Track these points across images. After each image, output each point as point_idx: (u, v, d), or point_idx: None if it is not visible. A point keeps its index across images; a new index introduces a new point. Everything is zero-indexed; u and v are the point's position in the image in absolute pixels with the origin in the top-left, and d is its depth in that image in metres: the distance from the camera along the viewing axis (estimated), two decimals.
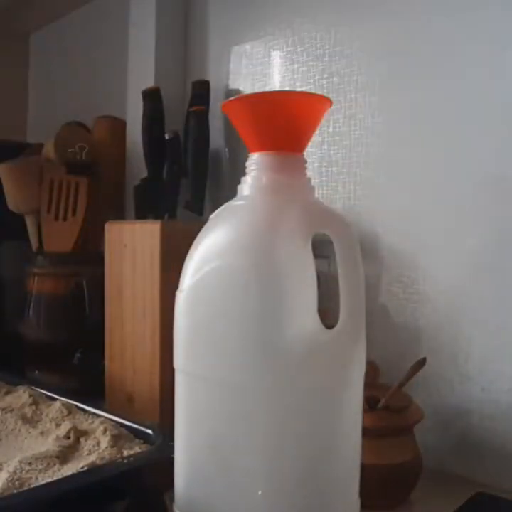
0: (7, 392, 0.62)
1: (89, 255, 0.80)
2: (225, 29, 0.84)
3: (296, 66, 0.75)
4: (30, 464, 0.44)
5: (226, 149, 0.83)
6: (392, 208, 0.66)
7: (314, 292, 0.39)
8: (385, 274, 0.66)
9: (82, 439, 0.50)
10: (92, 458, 0.46)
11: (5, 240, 0.92)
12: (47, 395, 0.60)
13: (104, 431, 0.50)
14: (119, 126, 0.87)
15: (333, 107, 0.50)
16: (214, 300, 0.39)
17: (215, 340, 0.39)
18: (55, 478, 0.43)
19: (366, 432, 0.44)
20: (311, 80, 0.73)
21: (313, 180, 0.44)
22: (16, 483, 0.42)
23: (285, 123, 0.41)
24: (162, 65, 0.85)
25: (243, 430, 0.39)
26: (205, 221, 0.43)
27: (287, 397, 0.38)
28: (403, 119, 0.65)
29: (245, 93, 0.80)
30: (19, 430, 0.53)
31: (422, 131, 0.64)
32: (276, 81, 0.78)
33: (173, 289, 0.43)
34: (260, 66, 0.80)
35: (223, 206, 0.43)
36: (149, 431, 0.50)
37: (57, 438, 0.49)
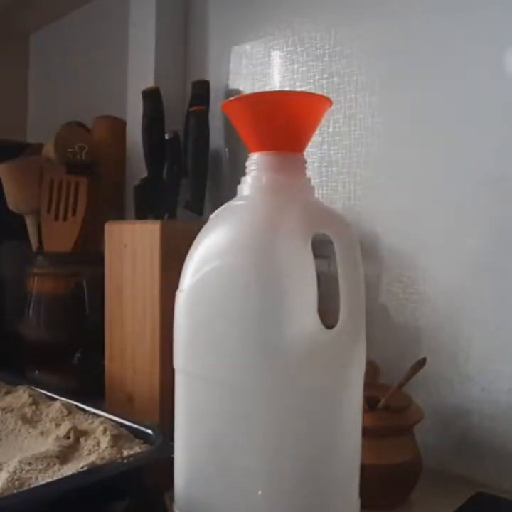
0: (7, 392, 0.62)
1: (89, 255, 0.80)
2: (225, 29, 0.84)
3: (296, 66, 0.75)
4: (30, 464, 0.44)
5: (226, 149, 0.83)
6: (392, 207, 0.66)
7: (314, 292, 0.39)
8: (385, 274, 0.66)
9: (82, 439, 0.50)
10: (92, 458, 0.46)
11: (5, 240, 0.92)
12: (47, 395, 0.60)
13: (104, 431, 0.50)
14: (119, 126, 0.87)
15: (333, 107, 0.50)
16: (214, 300, 0.39)
17: (215, 340, 0.39)
18: (55, 478, 0.43)
19: (366, 432, 0.44)
20: (311, 80, 0.73)
21: (313, 180, 0.44)
22: (16, 483, 0.42)
23: (285, 123, 0.41)
24: (162, 65, 0.85)
25: (243, 430, 0.39)
26: (205, 221, 0.43)
27: (287, 397, 0.38)
28: (403, 119, 0.65)
29: (245, 93, 0.80)
30: (19, 430, 0.53)
31: (422, 131, 0.64)
32: (276, 81, 0.78)
33: (173, 289, 0.43)
34: (260, 66, 0.80)
35: (223, 206, 0.43)
36: (149, 431, 0.50)
37: (57, 438, 0.49)
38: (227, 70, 0.84)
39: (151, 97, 0.77)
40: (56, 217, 0.81)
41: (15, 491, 0.41)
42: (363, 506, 0.43)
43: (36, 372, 0.80)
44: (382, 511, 0.52)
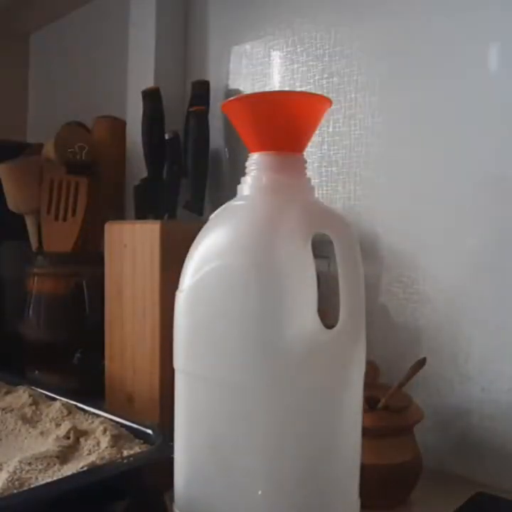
0: (7, 392, 0.62)
1: (89, 255, 0.80)
2: (225, 29, 0.84)
3: (296, 66, 0.75)
4: (30, 464, 0.44)
5: (226, 149, 0.83)
6: (392, 207, 0.66)
7: (314, 292, 0.39)
8: (385, 274, 0.66)
9: (82, 439, 0.50)
10: (92, 458, 0.46)
11: (5, 240, 0.92)
12: (47, 395, 0.60)
13: (104, 431, 0.50)
14: (119, 126, 0.87)
15: (333, 107, 0.50)
16: (214, 300, 0.39)
17: (215, 340, 0.39)
18: (55, 478, 0.43)
19: (366, 432, 0.44)
20: (311, 80, 0.73)
21: (313, 180, 0.44)
22: (16, 483, 0.42)
23: (285, 123, 0.41)
24: (162, 65, 0.85)
25: (243, 430, 0.39)
26: (205, 221, 0.43)
27: (287, 397, 0.38)
28: (403, 119, 0.65)
29: (245, 93, 0.80)
30: (19, 430, 0.53)
31: (422, 131, 0.64)
32: (276, 81, 0.78)
33: (173, 289, 0.43)
34: (260, 66, 0.80)
35: (223, 206, 0.43)
36: (149, 431, 0.50)
37: (57, 438, 0.49)
38: (227, 70, 0.84)
39: (151, 97, 0.77)
40: (56, 217, 0.81)
41: (15, 491, 0.41)
42: (363, 506, 0.43)
43: (36, 372, 0.80)
44: (382, 511, 0.52)
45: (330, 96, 0.51)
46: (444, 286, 0.62)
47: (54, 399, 0.59)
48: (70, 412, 0.55)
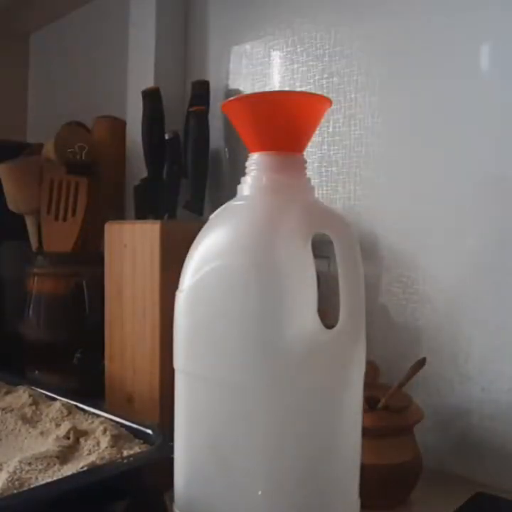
0: (7, 392, 0.62)
1: (89, 255, 0.80)
2: (225, 29, 0.84)
3: (296, 66, 0.75)
4: (30, 464, 0.44)
5: (226, 149, 0.83)
6: (392, 207, 0.66)
7: (314, 292, 0.39)
8: (385, 274, 0.66)
9: (82, 439, 0.50)
10: (92, 458, 0.46)
11: (5, 240, 0.92)
12: (47, 395, 0.60)
13: (104, 431, 0.50)
14: (119, 126, 0.87)
15: (333, 107, 0.50)
16: (214, 300, 0.39)
17: (215, 340, 0.39)
18: (55, 478, 0.43)
19: (366, 432, 0.44)
20: (311, 80, 0.73)
21: (313, 180, 0.44)
22: (16, 483, 0.42)
23: (285, 123, 0.41)
24: (162, 65, 0.85)
25: (243, 430, 0.39)
26: (205, 221, 0.43)
27: (287, 397, 0.38)
28: (403, 119, 0.65)
29: (245, 93, 0.80)
30: (19, 430, 0.53)
31: (422, 131, 0.64)
32: (276, 81, 0.78)
33: (173, 289, 0.43)
34: (260, 66, 0.80)
35: (223, 206, 0.43)
36: (149, 431, 0.50)
37: (57, 438, 0.49)
38: (227, 70, 0.84)
39: (151, 97, 0.77)
40: (56, 218, 0.81)
41: (15, 491, 0.41)
42: (363, 506, 0.43)
43: (36, 372, 0.80)
44: (382, 511, 0.52)
45: (330, 96, 0.51)
46: (444, 286, 0.62)
47: (54, 399, 0.59)
48: (70, 412, 0.55)
